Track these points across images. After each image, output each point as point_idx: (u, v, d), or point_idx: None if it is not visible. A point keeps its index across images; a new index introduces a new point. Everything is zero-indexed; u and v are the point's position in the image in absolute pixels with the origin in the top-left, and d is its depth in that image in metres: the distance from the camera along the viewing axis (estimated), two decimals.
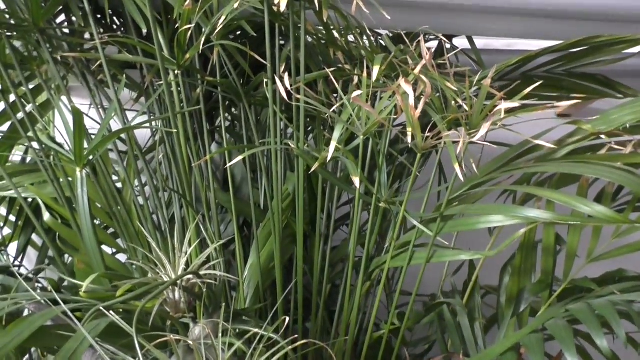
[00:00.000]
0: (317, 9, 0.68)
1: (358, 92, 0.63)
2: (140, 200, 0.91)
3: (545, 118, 0.82)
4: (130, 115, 1.06)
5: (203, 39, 0.73)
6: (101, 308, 0.56)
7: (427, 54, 0.71)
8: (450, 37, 1.14)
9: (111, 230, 1.00)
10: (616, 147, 0.83)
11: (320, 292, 0.90)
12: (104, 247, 0.96)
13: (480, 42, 1.18)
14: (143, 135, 1.11)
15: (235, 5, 0.65)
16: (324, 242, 0.92)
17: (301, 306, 0.86)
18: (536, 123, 1.24)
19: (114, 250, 0.95)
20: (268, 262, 0.88)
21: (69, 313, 0.55)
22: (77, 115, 0.62)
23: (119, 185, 0.98)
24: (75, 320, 0.54)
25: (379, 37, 1.05)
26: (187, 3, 0.67)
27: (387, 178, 0.93)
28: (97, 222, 0.95)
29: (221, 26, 0.73)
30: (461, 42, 1.16)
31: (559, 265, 0.88)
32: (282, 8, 0.59)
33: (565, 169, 0.74)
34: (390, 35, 1.12)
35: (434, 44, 1.16)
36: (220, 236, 0.92)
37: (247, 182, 0.94)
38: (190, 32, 0.75)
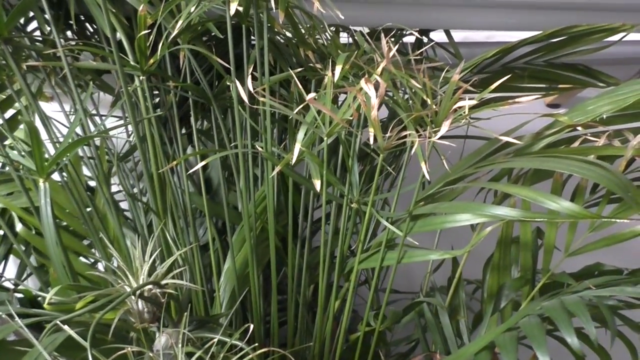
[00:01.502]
0: (274, 9, 0.66)
1: (312, 95, 0.62)
2: (116, 206, 0.90)
3: (526, 115, 0.80)
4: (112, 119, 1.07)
5: (165, 43, 0.72)
6: (58, 323, 0.55)
7: (390, 51, 0.69)
8: (427, 32, 1.12)
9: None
10: (592, 138, 0.82)
11: (299, 294, 0.89)
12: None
13: (459, 35, 1.16)
14: (118, 142, 1.11)
15: (192, 9, 0.64)
16: (301, 243, 0.91)
17: (275, 310, 0.85)
18: (525, 112, 1.23)
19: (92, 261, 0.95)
20: (244, 266, 0.88)
21: (24, 327, 0.54)
22: (33, 131, 0.62)
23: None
24: (30, 335, 0.53)
25: (355, 34, 1.04)
26: (141, 8, 0.66)
27: (365, 177, 0.92)
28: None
29: (185, 29, 0.73)
30: (440, 36, 1.15)
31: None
32: (232, 11, 0.58)
33: (537, 164, 0.72)
34: (368, 31, 1.11)
35: (412, 39, 1.15)
36: (197, 240, 0.92)
37: (224, 185, 0.93)
38: (152, 37, 0.74)
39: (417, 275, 1.32)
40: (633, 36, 1.28)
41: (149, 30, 0.70)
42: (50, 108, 1.05)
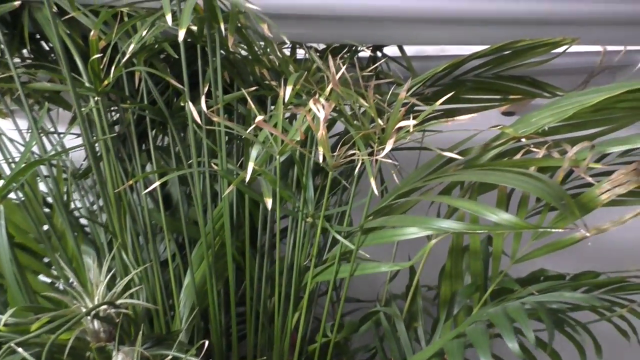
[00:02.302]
0: (224, 34, 0.69)
1: (260, 118, 0.64)
2: (76, 224, 0.91)
3: (481, 123, 0.84)
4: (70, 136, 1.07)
5: (119, 64, 0.73)
6: (12, 345, 0.56)
7: (338, 72, 0.72)
8: (381, 47, 1.16)
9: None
10: (534, 149, 0.86)
11: (259, 307, 0.90)
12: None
13: (413, 49, 1.20)
14: (79, 156, 1.11)
15: (144, 33, 0.66)
16: (261, 256, 0.93)
17: (234, 324, 0.86)
18: (479, 122, 1.28)
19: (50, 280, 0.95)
20: (204, 281, 0.89)
21: None
22: None
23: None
24: None
25: (310, 50, 1.07)
26: (92, 34, 0.67)
27: (321, 190, 0.94)
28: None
29: (140, 49, 0.74)
30: (394, 50, 1.18)
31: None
32: (181, 37, 0.59)
33: (481, 177, 0.76)
34: (324, 47, 1.14)
35: (367, 53, 1.18)
36: (158, 257, 0.92)
37: (183, 201, 0.95)
38: (107, 56, 0.75)
39: (380, 282, 1.35)
40: (579, 48, 1.34)
41: (102, 54, 0.71)
42: (5, 125, 1.04)
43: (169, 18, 0.62)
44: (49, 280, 0.97)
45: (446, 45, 1.28)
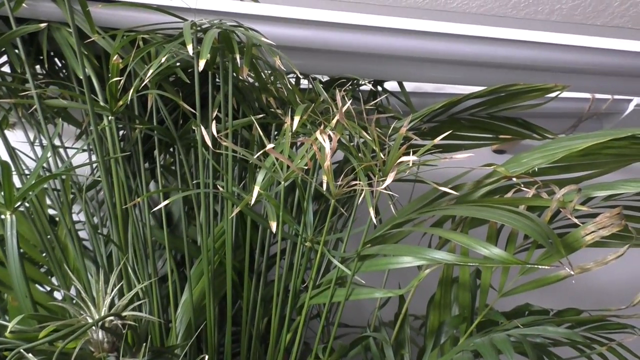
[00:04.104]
0: (239, 65, 0.73)
1: (270, 146, 0.68)
2: (77, 237, 0.93)
3: (474, 160, 0.88)
4: (73, 149, 1.10)
5: (135, 88, 0.77)
6: (22, 351, 0.58)
7: (343, 106, 0.76)
8: (381, 82, 1.21)
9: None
10: (524, 189, 0.90)
11: (253, 326, 0.93)
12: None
13: (411, 85, 1.25)
14: (85, 170, 1.14)
15: (163, 59, 0.70)
16: (257, 277, 0.96)
17: (229, 342, 0.89)
18: (471, 158, 1.33)
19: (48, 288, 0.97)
20: (201, 298, 0.91)
21: None
22: (5, 169, 0.66)
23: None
24: None
25: (314, 81, 1.12)
26: (115, 58, 0.71)
27: (320, 215, 0.98)
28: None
29: (155, 73, 0.78)
30: (394, 85, 1.24)
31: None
32: (201, 67, 0.63)
33: (473, 213, 0.79)
34: (328, 79, 1.19)
35: (368, 87, 1.23)
36: (156, 273, 0.95)
37: (184, 219, 0.98)
38: (124, 78, 0.79)
39: (368, 309, 1.38)
40: (570, 94, 1.40)
41: (119, 78, 0.75)
42: (13, 137, 1.07)
43: (190, 48, 0.66)
44: (46, 289, 0.99)
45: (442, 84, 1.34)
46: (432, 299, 0.99)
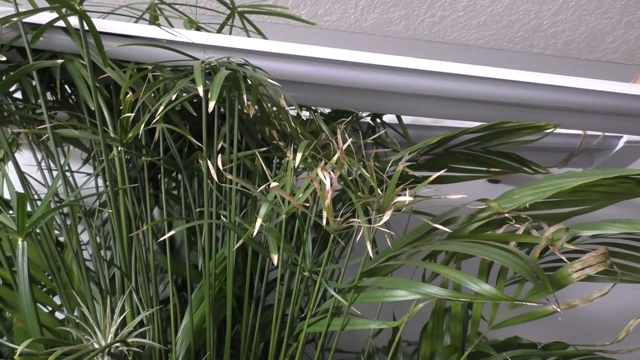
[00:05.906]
0: (246, 102, 0.77)
1: (275, 184, 0.71)
2: (83, 261, 0.96)
3: (469, 192, 0.92)
4: (81, 173, 1.13)
5: (145, 121, 0.80)
6: None
7: (344, 143, 0.80)
8: (380, 114, 1.25)
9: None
10: (516, 224, 0.94)
11: (250, 350, 0.96)
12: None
13: (409, 118, 1.30)
14: (85, 192, 1.17)
15: (173, 97, 0.73)
16: (255, 303, 0.99)
17: None
18: (466, 187, 1.37)
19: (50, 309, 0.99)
20: (201, 323, 0.94)
21: None
22: (21, 199, 0.69)
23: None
24: None
25: (316, 113, 1.16)
26: (128, 96, 0.75)
27: (319, 243, 1.01)
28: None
29: (163, 107, 0.82)
30: (392, 117, 1.28)
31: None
32: (210, 109, 0.67)
33: (464, 249, 0.83)
34: (329, 111, 1.23)
35: (367, 119, 1.27)
36: (157, 297, 0.98)
37: (186, 245, 1.01)
38: (135, 112, 0.83)
39: (362, 335, 1.40)
40: (561, 130, 1.45)
41: (130, 115, 0.78)
42: (20, 159, 1.11)
43: (200, 90, 0.70)
44: (48, 309, 1.02)
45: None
46: (425, 328, 1.02)
